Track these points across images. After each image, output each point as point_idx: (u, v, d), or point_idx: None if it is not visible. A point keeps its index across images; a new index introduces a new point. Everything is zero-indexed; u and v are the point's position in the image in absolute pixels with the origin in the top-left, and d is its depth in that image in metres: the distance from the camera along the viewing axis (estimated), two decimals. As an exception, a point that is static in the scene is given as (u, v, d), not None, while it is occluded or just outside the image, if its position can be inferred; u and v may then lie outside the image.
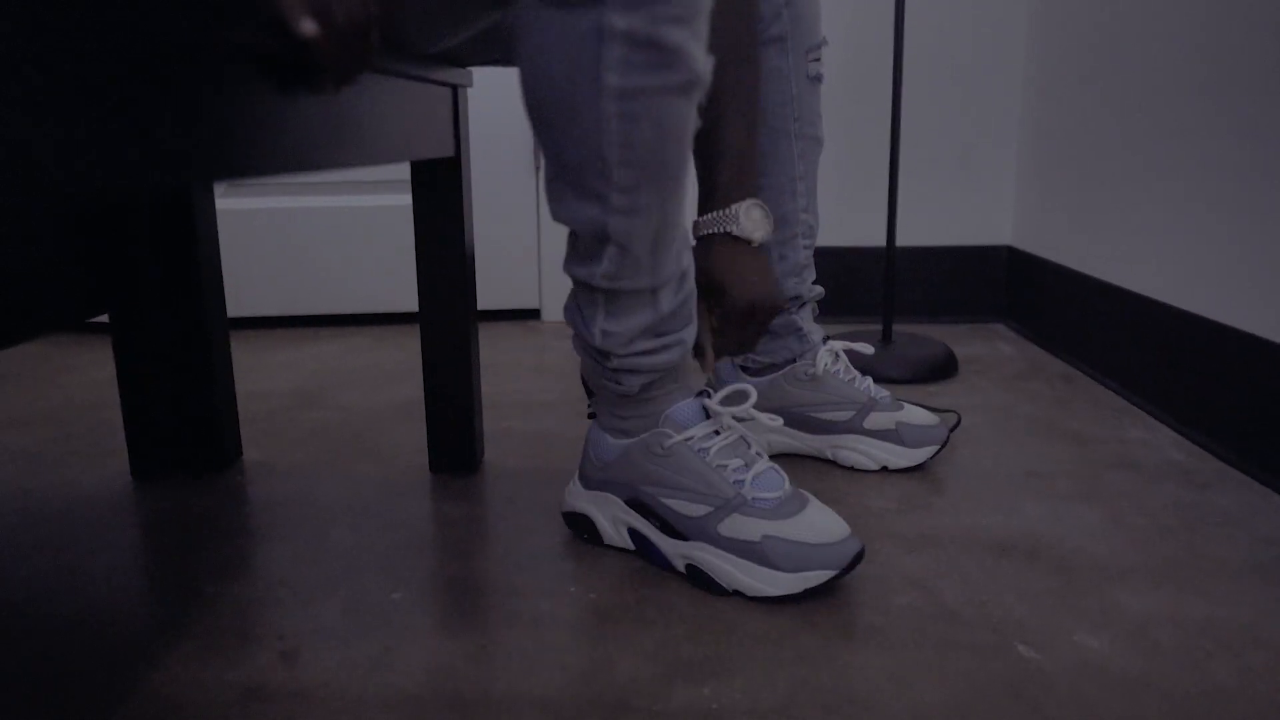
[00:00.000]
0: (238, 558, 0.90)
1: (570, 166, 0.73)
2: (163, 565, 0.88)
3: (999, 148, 1.87)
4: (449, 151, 0.99)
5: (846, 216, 1.90)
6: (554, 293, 1.94)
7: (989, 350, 1.68)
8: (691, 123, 0.74)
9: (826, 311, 1.92)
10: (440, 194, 1.02)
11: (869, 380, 1.12)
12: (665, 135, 0.71)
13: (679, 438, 0.83)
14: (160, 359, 1.07)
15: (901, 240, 1.91)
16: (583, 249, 0.78)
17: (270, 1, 0.54)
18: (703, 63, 0.70)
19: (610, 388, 0.85)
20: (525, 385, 1.48)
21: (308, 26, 0.54)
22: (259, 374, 1.55)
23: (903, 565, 0.86)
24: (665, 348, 0.82)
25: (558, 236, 1.92)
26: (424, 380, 1.08)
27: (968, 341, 1.75)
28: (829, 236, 1.90)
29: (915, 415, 1.10)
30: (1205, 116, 1.20)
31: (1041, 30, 1.74)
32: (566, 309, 0.85)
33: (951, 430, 1.13)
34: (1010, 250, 1.89)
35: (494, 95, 1.85)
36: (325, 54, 0.55)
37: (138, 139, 0.43)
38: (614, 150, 0.70)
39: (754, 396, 0.86)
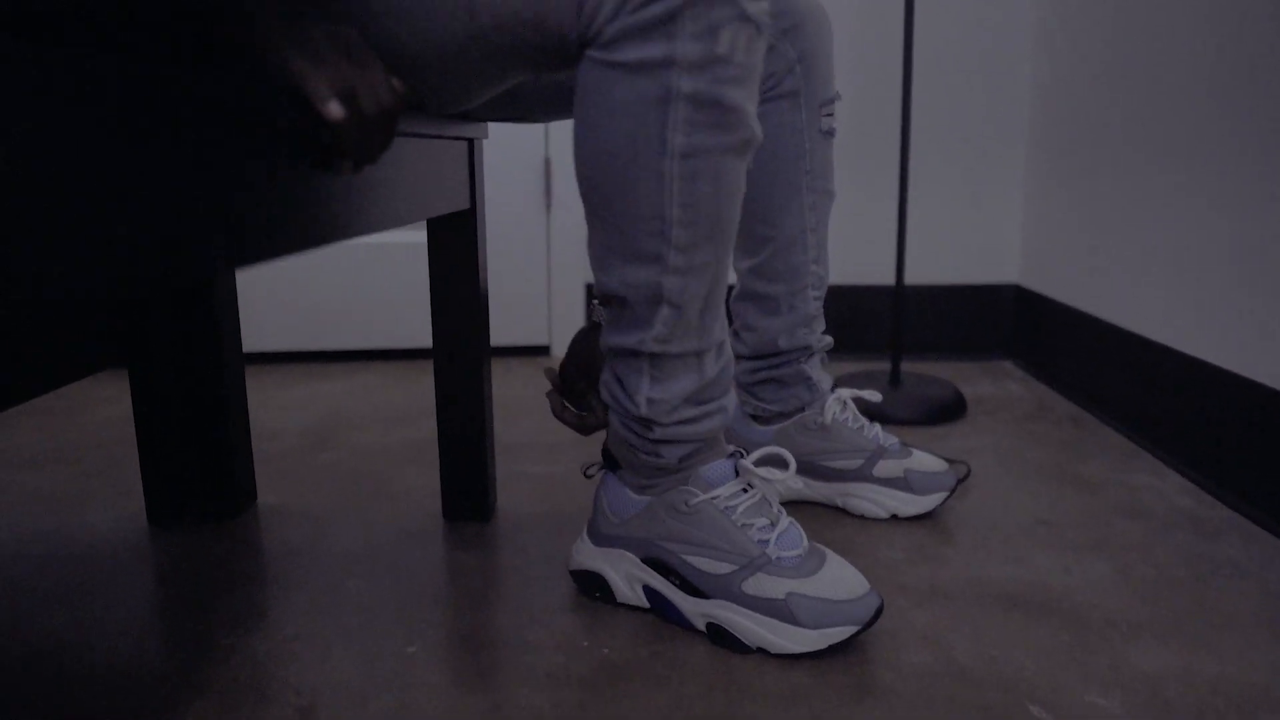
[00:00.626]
0: (254, 608, 0.90)
1: (625, 230, 0.75)
2: (180, 616, 0.89)
3: (1005, 185, 1.89)
4: (464, 204, 1.01)
5: (854, 254, 1.91)
6: (564, 329, 1.96)
7: (997, 389, 1.68)
8: (744, 181, 0.77)
9: (835, 349, 1.93)
10: (455, 241, 1.04)
11: (878, 427, 1.13)
12: (722, 193, 0.74)
13: (705, 496, 0.84)
14: (177, 403, 1.08)
15: (909, 278, 1.92)
16: (629, 316, 0.79)
17: (297, 85, 0.55)
18: (756, 122, 0.74)
19: (648, 462, 0.85)
20: (536, 426, 1.49)
21: (334, 110, 0.55)
22: (273, 412, 1.57)
23: (914, 619, 0.87)
24: (707, 415, 0.84)
25: (568, 272, 1.93)
26: (438, 427, 1.09)
27: (976, 380, 1.75)
28: (837, 274, 1.91)
29: (924, 462, 1.11)
30: (1218, 159, 1.21)
31: (1048, 67, 1.75)
32: (603, 384, 0.86)
33: (961, 481, 1.14)
34: (1018, 289, 1.90)
35: (505, 131, 1.88)
36: (348, 138, 0.57)
37: (165, 235, 0.44)
38: (674, 209, 0.73)
39: (793, 465, 0.87)
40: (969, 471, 1.18)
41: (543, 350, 2.00)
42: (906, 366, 1.86)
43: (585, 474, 0.93)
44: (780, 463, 1.11)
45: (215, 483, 1.11)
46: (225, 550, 1.03)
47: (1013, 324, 1.92)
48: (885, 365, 1.86)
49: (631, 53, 0.68)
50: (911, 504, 1.09)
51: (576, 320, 1.96)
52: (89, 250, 0.38)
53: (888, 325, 1.93)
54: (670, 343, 0.79)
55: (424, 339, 1.94)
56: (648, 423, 0.83)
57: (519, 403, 1.62)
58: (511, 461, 1.32)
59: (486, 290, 1.08)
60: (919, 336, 1.93)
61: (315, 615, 0.89)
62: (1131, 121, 1.43)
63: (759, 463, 0.90)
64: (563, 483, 1.23)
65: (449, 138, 0.94)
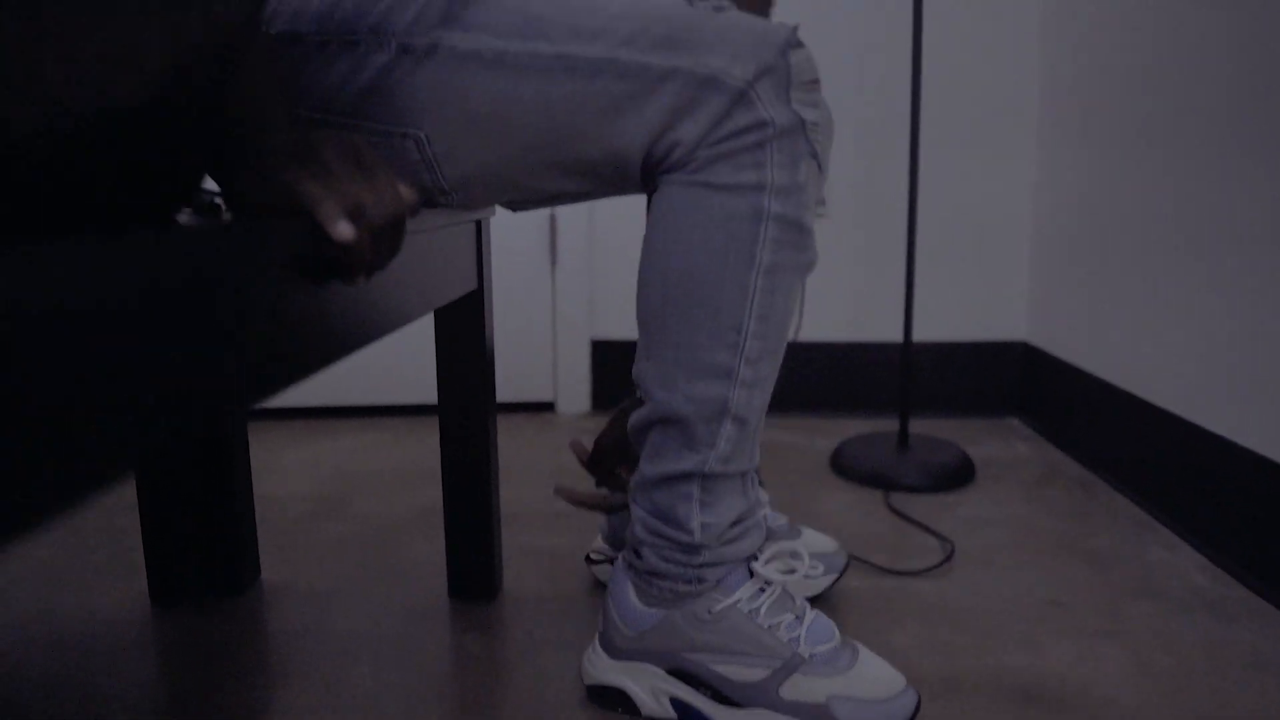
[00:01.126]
0: (259, 700, 0.89)
1: (700, 343, 0.77)
2: (186, 706, 0.88)
3: (1012, 242, 1.88)
4: (472, 286, 1.01)
5: (862, 311, 1.91)
6: (569, 385, 1.95)
7: (1005, 450, 1.67)
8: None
9: (843, 409, 1.92)
10: (461, 317, 1.03)
11: (765, 508, 1.11)
12: (789, 309, 0.79)
13: (728, 602, 0.82)
14: (180, 477, 1.08)
15: (916, 335, 1.91)
16: (687, 437, 0.80)
17: (304, 206, 0.55)
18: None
19: (686, 591, 0.83)
20: (543, 493, 1.48)
21: (344, 231, 0.55)
22: (277, 475, 1.56)
23: (930, 714, 0.85)
24: (746, 533, 0.84)
25: (573, 329, 1.93)
26: (444, 503, 1.08)
27: (983, 440, 1.74)
28: (845, 332, 1.91)
29: (813, 543, 1.10)
30: (1236, 223, 1.21)
31: (1054, 124, 1.76)
32: (639, 521, 0.84)
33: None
34: (1025, 346, 1.89)
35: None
36: (359, 253, 0.56)
37: (175, 393, 0.44)
38: (752, 322, 0.77)
39: (805, 558, 0.86)
40: (953, 551, 1.17)
41: (548, 406, 1.99)
42: (914, 425, 1.85)
43: (588, 560, 0.91)
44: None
45: (219, 560, 1.10)
46: (230, 633, 1.02)
47: (1020, 381, 1.91)
48: (892, 424, 1.85)
49: (726, 176, 0.73)
50: (800, 587, 1.06)
51: (582, 377, 1.95)
52: (91, 424, 0.37)
53: (894, 382, 1.92)
54: (732, 461, 0.80)
55: (429, 394, 1.93)
56: (697, 549, 0.82)
57: (524, 464, 1.61)
58: (517, 532, 1.30)
59: (493, 363, 1.07)
60: (925, 393, 1.92)
61: (321, 709, 0.88)
62: (1142, 178, 1.43)
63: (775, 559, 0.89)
64: (568, 558, 1.22)
65: (458, 224, 0.94)
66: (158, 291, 0.41)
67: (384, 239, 0.59)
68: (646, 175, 0.77)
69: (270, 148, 0.57)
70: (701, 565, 0.82)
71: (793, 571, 0.86)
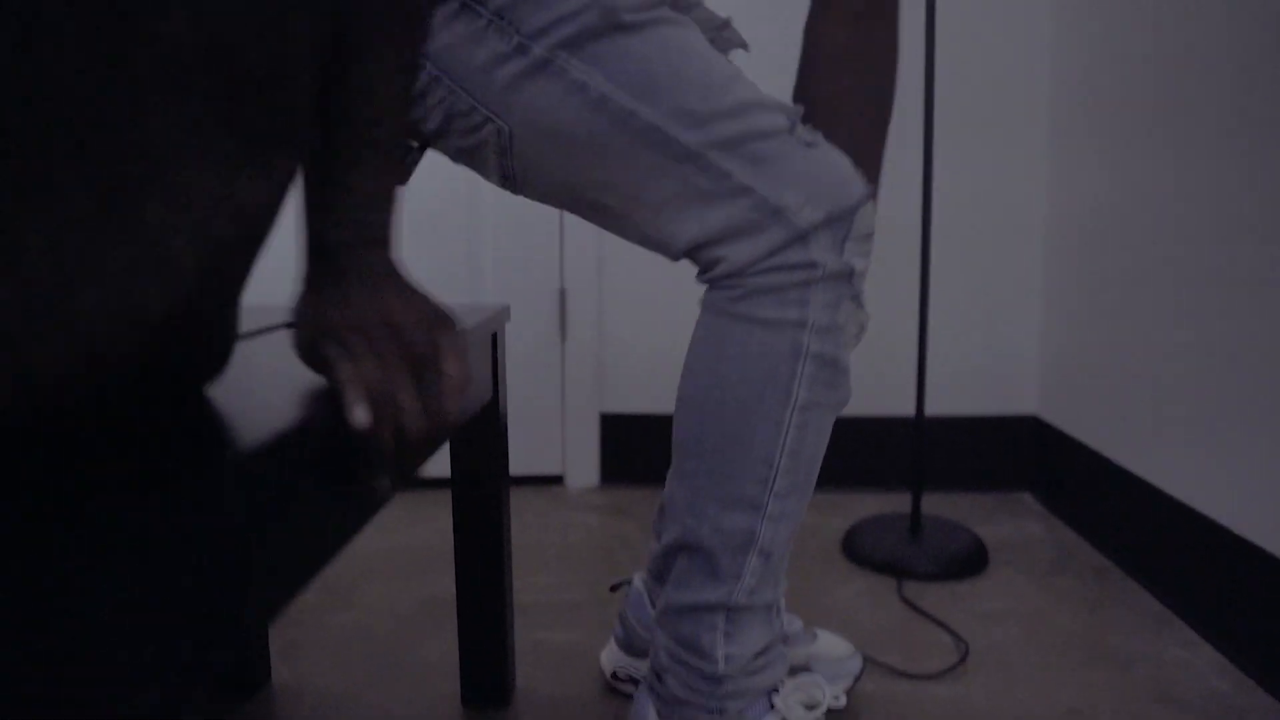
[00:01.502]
0: (270, 826, 0.88)
1: (731, 475, 0.78)
2: (195, 836, 0.87)
3: (1022, 317, 1.89)
4: (488, 397, 1.01)
5: (870, 382, 1.91)
6: (578, 459, 1.95)
7: (1017, 531, 1.66)
8: None
9: (854, 485, 1.92)
10: (476, 429, 1.04)
11: (789, 624, 1.10)
12: (821, 445, 0.80)
13: None
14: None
15: (926, 408, 1.91)
16: (711, 568, 0.80)
17: (333, 383, 0.55)
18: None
19: None
20: (553, 579, 1.47)
21: (360, 416, 0.53)
22: (286, 560, 1.55)
23: (949, 846, 0.84)
24: (770, 664, 0.84)
25: (583, 402, 1.93)
26: (457, 601, 1.07)
27: (995, 518, 1.73)
28: (856, 406, 1.90)
29: (829, 646, 1.09)
30: (1257, 298, 1.20)
31: (1067, 165, 1.76)
32: (660, 650, 0.84)
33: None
34: (1036, 421, 1.89)
35: (520, 261, 1.89)
36: (377, 452, 0.54)
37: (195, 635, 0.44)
38: (784, 458, 0.78)
39: (827, 692, 0.86)
40: (967, 651, 1.16)
41: (556, 480, 1.99)
42: (926, 500, 1.84)
43: (614, 678, 0.91)
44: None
45: (232, 663, 1.09)
46: (240, 746, 1.01)
47: (1032, 456, 1.90)
48: (903, 501, 1.84)
49: (770, 311, 0.76)
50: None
51: (591, 450, 1.95)
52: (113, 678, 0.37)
53: (905, 455, 1.92)
54: (757, 593, 0.81)
55: (433, 467, 1.93)
56: (721, 680, 0.82)
57: (534, 549, 1.61)
58: (530, 626, 1.30)
59: (507, 459, 1.07)
60: (935, 466, 1.92)
61: (333, 836, 0.87)
62: (1154, 251, 1.43)
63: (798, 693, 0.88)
64: (584, 655, 1.21)
65: (475, 343, 0.94)
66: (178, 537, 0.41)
67: (415, 451, 0.55)
68: (687, 258, 0.80)
69: (325, 306, 0.57)
70: (725, 696, 0.82)
71: (815, 706, 0.85)
